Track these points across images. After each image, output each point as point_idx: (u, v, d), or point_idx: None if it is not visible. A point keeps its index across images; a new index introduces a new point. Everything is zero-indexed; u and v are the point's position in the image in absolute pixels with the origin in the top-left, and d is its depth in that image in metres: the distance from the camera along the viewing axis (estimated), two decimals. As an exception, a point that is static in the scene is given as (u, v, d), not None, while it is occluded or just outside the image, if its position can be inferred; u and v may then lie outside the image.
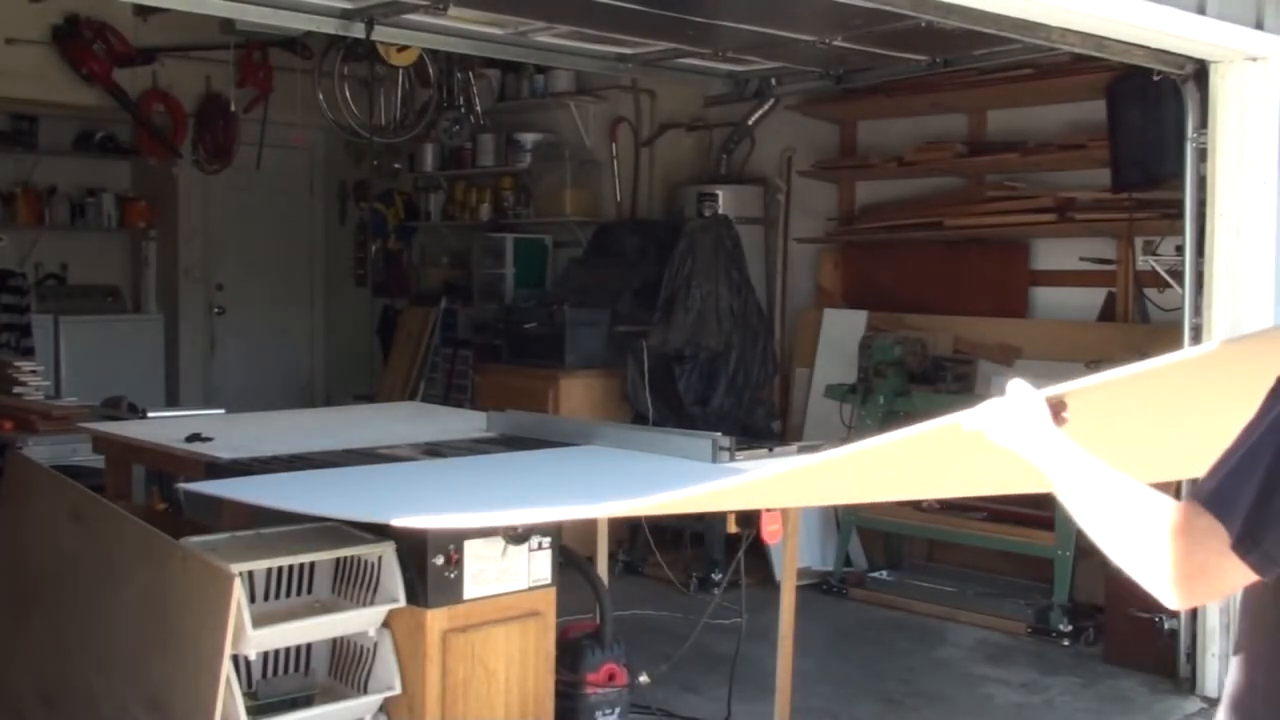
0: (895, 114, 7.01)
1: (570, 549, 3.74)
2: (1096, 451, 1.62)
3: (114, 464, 4.60)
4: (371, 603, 3.31)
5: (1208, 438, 1.59)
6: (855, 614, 6.10)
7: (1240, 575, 1.50)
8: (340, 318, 10.09)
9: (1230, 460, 1.51)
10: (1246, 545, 1.48)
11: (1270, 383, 1.55)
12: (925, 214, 6.78)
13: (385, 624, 3.33)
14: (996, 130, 6.71)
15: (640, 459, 3.99)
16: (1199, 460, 1.56)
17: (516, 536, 3.38)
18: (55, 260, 9.19)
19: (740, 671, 4.42)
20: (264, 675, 3.34)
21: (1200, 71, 5.00)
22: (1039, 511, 5.70)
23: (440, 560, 3.26)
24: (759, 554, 5.64)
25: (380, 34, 5.52)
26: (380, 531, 3.25)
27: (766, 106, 7.29)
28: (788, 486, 2.50)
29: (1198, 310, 5.05)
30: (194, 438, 4.10)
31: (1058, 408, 1.68)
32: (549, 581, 3.52)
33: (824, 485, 2.52)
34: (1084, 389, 1.70)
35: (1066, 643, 5.58)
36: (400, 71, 7.66)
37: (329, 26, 5.41)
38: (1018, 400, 1.68)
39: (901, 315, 6.82)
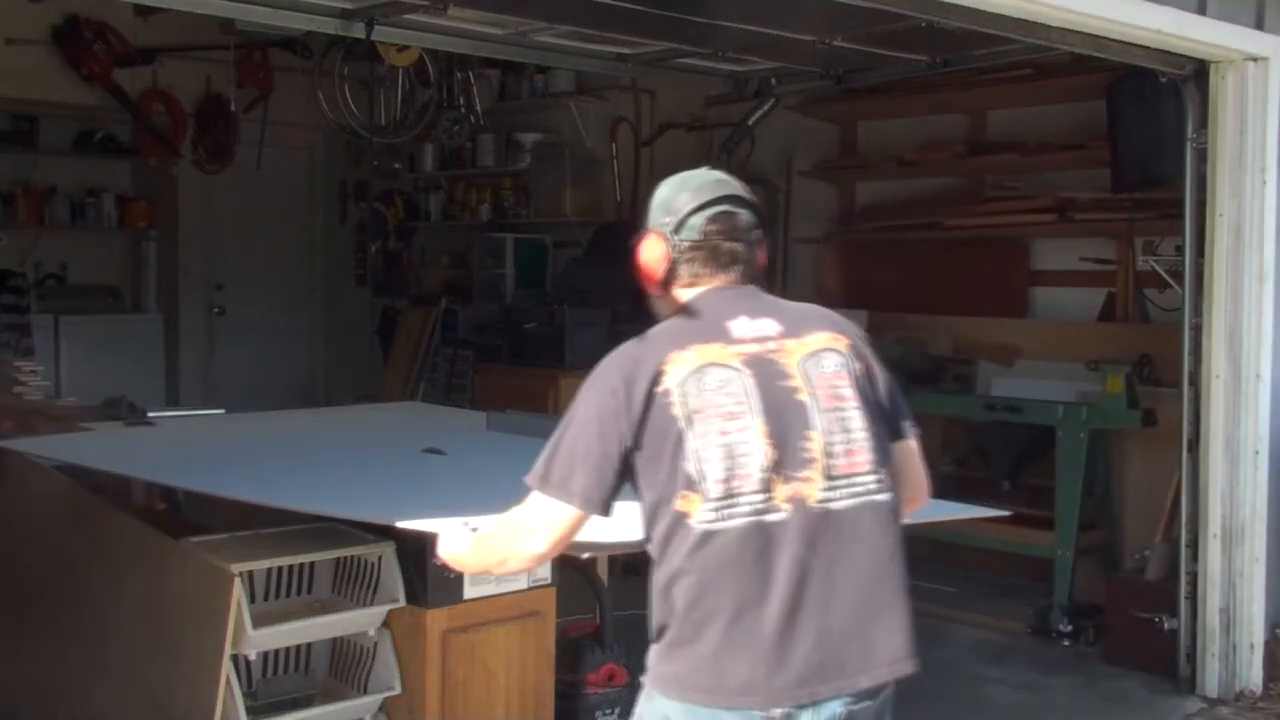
0: (895, 114, 7.00)
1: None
2: None
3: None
4: (371, 603, 3.31)
5: None
6: (855, 614, 6.08)
7: (558, 514, 2.08)
8: (340, 318, 10.08)
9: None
10: (543, 487, 2.09)
11: None
12: (925, 214, 6.77)
13: (385, 624, 3.33)
14: (996, 130, 6.70)
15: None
16: None
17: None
18: (55, 260, 9.16)
19: (740, 671, 4.41)
20: (264, 675, 3.35)
21: (1200, 71, 5.00)
22: (1039, 511, 5.70)
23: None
24: (759, 554, 5.62)
25: (380, 34, 5.51)
26: (381, 531, 3.24)
27: (766, 106, 7.26)
28: None
29: (1198, 310, 5.05)
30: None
31: None
32: (549, 581, 3.52)
33: None
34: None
35: (1066, 643, 5.58)
36: (400, 71, 7.65)
37: (329, 26, 5.40)
38: (445, 532, 2.46)
39: (901, 315, 6.80)
